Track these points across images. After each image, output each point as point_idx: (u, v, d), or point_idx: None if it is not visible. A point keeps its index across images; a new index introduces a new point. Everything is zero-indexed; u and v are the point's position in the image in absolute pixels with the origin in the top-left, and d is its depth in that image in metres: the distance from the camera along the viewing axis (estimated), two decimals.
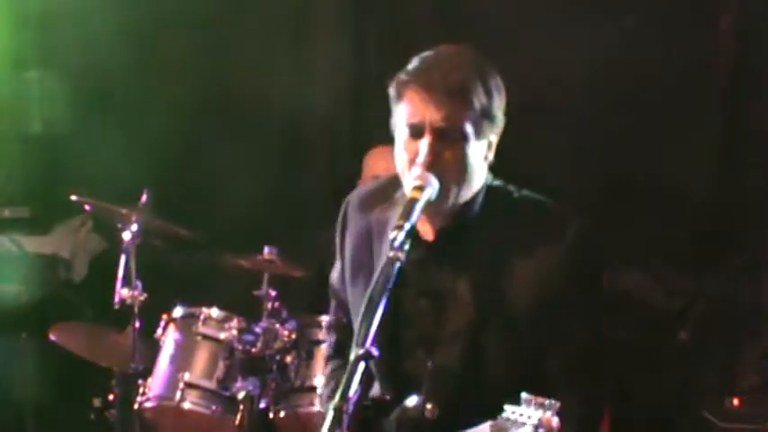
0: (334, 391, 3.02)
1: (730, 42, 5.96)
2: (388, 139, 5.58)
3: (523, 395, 2.35)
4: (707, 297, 6.07)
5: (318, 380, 4.90)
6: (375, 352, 2.48)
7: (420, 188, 2.68)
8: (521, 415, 2.32)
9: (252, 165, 6.19)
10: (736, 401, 5.55)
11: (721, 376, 5.90)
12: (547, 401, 2.32)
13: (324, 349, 4.97)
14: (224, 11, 6.27)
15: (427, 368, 2.77)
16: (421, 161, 2.69)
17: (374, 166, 5.48)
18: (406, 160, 2.75)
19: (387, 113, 6.36)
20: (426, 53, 2.79)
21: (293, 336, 5.03)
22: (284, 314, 5.12)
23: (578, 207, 2.85)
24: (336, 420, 2.45)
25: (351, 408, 2.46)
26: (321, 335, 5.02)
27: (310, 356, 5.00)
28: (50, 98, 6.31)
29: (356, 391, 2.49)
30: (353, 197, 3.09)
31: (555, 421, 2.30)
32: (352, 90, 6.47)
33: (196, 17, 6.18)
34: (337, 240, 3.08)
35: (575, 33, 5.78)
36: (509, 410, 2.35)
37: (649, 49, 5.88)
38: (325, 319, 5.02)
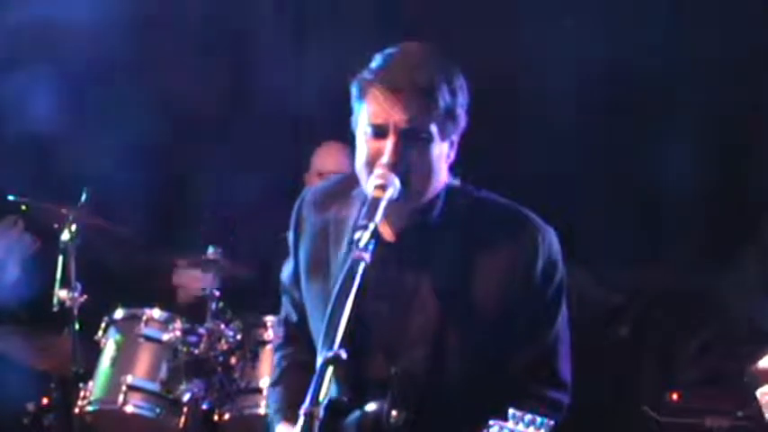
0: (276, 380, 3.07)
1: None
2: (331, 138, 5.61)
3: (511, 411, 2.31)
4: (646, 293, 6.12)
5: (264, 381, 4.87)
6: (344, 355, 2.43)
7: (382, 187, 2.64)
8: (511, 431, 2.29)
9: (200, 165, 6.12)
10: (675, 396, 5.60)
11: (660, 371, 5.95)
12: (539, 419, 2.29)
13: (269, 349, 4.96)
14: None
15: (391, 373, 2.73)
16: (385, 162, 2.65)
17: (324, 161, 5.53)
18: (367, 159, 2.70)
19: (330, 113, 6.34)
20: (389, 50, 2.74)
21: (238, 337, 4.97)
22: (229, 314, 5.05)
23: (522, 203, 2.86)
24: (307, 425, 2.40)
25: (322, 413, 2.42)
26: (267, 335, 4.99)
27: (256, 357, 4.95)
28: None
29: (326, 396, 2.45)
30: (308, 194, 3.04)
31: None
32: (295, 91, 6.42)
33: None
34: (291, 238, 3.03)
35: (544, 30, 5.81)
36: (496, 426, 2.31)
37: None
38: (270, 319, 4.99)
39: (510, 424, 2.30)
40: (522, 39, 5.84)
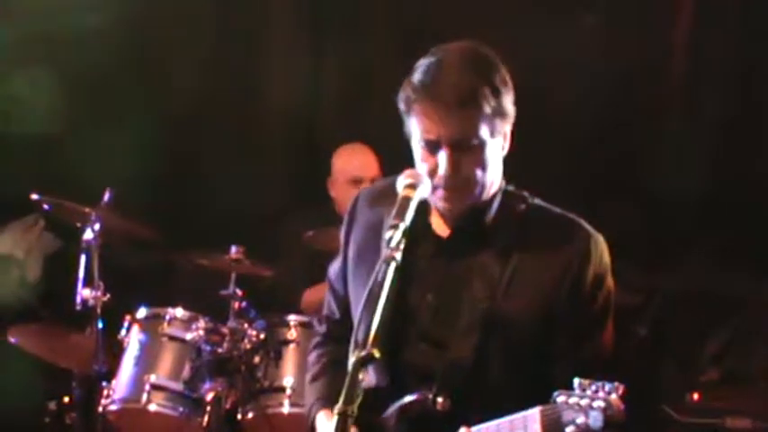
0: (314, 376, 3.10)
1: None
2: (348, 139, 5.64)
3: (577, 380, 2.34)
4: (665, 292, 6.11)
5: (288, 380, 4.90)
6: (377, 354, 2.47)
7: (412, 186, 2.70)
8: (580, 398, 2.31)
9: (220, 165, 6.14)
10: (695, 396, 5.59)
11: (681, 371, 5.95)
12: (608, 385, 2.30)
13: (292, 348, 4.99)
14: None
15: (437, 362, 2.76)
16: (442, 174, 2.70)
17: (349, 164, 5.53)
18: (427, 174, 2.75)
19: (345, 114, 6.33)
20: (428, 60, 2.75)
21: (261, 336, 4.97)
22: (252, 314, 5.06)
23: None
24: (341, 425, 2.43)
25: (355, 411, 2.44)
26: (290, 335, 5.00)
27: (279, 357, 4.96)
28: (13, 95, 6.16)
29: (359, 395, 2.46)
30: (364, 192, 3.11)
31: (622, 405, 2.28)
32: (312, 92, 6.44)
33: None
34: (343, 233, 3.08)
35: (550, 32, 5.80)
36: (562, 396, 2.34)
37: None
38: (293, 318, 5.01)
39: (577, 392, 2.32)
40: (533, 39, 5.84)
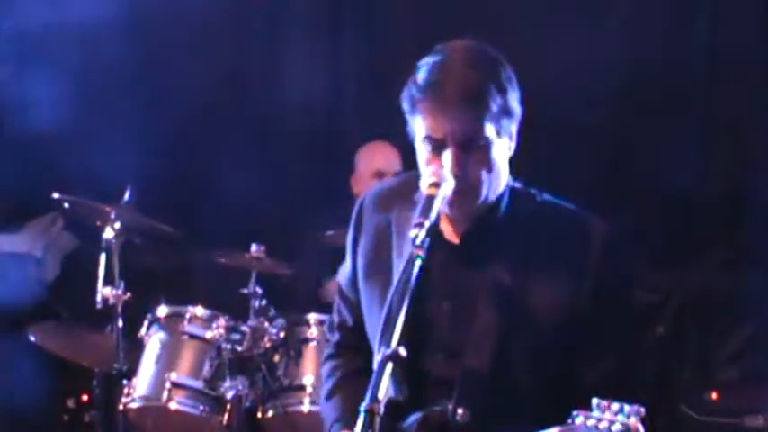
0: (331, 391, 3.00)
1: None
2: (367, 138, 5.66)
3: (595, 400, 2.27)
4: (683, 291, 6.10)
5: (308, 379, 4.91)
6: (403, 352, 2.42)
7: (436, 185, 2.64)
8: (598, 420, 2.25)
9: (239, 163, 6.15)
10: (714, 395, 5.59)
11: (699, 370, 5.94)
12: (627, 407, 2.24)
13: (312, 347, 4.99)
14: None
15: (456, 372, 2.70)
16: (448, 173, 2.64)
17: (373, 160, 5.58)
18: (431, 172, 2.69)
19: (364, 113, 6.33)
20: (432, 59, 2.69)
21: (281, 334, 4.98)
22: (272, 312, 5.07)
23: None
24: (368, 422, 2.38)
25: (382, 409, 2.42)
26: (310, 333, 5.01)
27: (299, 355, 4.97)
28: (30, 94, 6.16)
29: (386, 393, 2.44)
30: (369, 195, 3.02)
31: (641, 429, 2.23)
32: (331, 89, 6.45)
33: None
34: (349, 238, 3.00)
35: (566, 33, 5.80)
36: (581, 416, 2.28)
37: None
38: (313, 317, 5.01)
39: (595, 413, 2.26)
40: (552, 39, 5.84)
